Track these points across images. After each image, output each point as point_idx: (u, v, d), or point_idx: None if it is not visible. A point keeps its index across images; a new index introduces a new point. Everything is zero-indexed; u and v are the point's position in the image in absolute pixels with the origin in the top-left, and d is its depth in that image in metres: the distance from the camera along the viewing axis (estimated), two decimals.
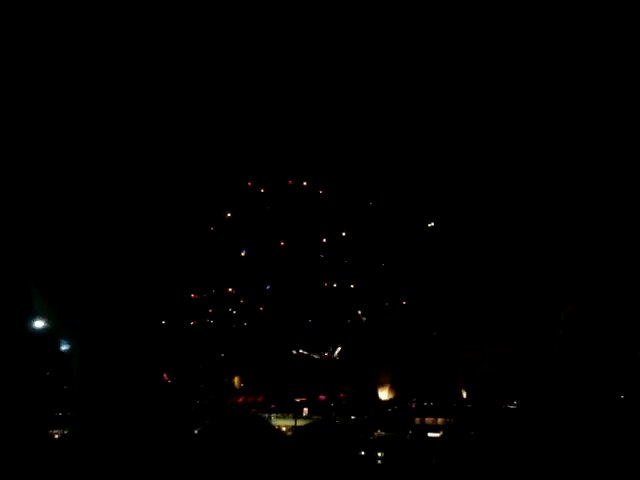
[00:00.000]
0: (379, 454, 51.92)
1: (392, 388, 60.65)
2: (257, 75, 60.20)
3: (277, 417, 58.85)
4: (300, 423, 57.18)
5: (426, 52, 58.70)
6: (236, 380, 63.65)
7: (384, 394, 60.65)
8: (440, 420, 57.18)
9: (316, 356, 62.84)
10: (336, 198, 65.01)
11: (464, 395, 59.12)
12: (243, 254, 65.21)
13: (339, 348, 62.61)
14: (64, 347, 51.41)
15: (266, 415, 58.85)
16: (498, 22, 56.17)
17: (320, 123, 62.64)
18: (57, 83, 54.36)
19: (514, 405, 57.03)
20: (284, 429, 58.04)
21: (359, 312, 62.82)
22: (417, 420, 57.48)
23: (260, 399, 60.64)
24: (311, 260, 63.75)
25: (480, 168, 61.24)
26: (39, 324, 48.56)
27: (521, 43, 56.31)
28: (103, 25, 54.51)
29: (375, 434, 56.24)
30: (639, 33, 52.13)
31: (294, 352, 62.29)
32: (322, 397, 60.06)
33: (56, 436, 43.82)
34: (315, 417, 58.19)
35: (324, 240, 64.89)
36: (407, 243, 62.86)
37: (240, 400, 61.44)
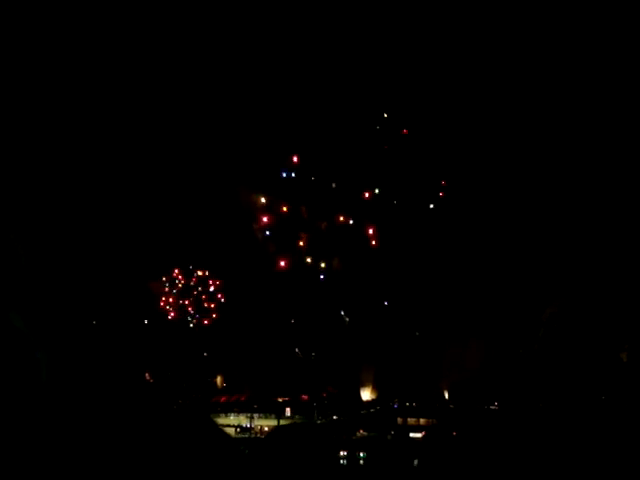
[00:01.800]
0: (361, 454, 52.12)
1: (374, 388, 60.82)
2: (258, 74, 59.80)
3: (260, 417, 58.95)
4: (283, 423, 57.29)
5: (428, 53, 58.68)
6: (219, 379, 63.67)
7: (366, 394, 60.80)
8: (422, 420, 57.41)
9: (299, 356, 62.88)
10: (319, 195, 64.62)
11: (446, 396, 59.36)
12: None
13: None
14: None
15: (248, 415, 59.01)
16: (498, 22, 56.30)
17: (318, 121, 62.19)
18: (57, 83, 54.22)
19: (495, 406, 57.34)
20: (266, 429, 58.20)
21: (342, 312, 62.86)
22: (399, 420, 57.67)
23: (242, 399, 60.69)
24: (294, 260, 63.63)
25: (463, 172, 61.37)
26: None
27: (521, 43, 56.46)
28: (103, 25, 54.39)
29: (357, 434, 56.41)
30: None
31: (276, 352, 62.24)
32: (305, 397, 60.15)
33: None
34: (298, 417, 58.33)
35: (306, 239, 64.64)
36: (390, 243, 62.84)
37: (222, 399, 61.46)
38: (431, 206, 61.61)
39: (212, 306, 66.46)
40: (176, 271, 67.31)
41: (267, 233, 64.25)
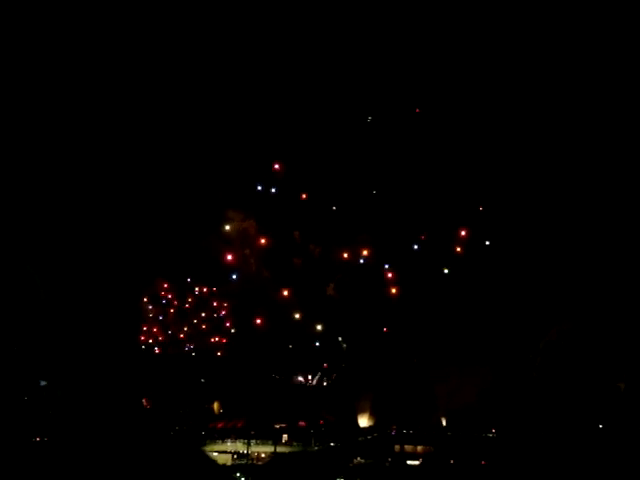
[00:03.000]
0: None
1: (372, 415, 60.64)
2: (259, 74, 59.67)
3: (257, 443, 58.66)
4: (280, 449, 57.10)
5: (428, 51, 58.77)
6: (216, 406, 63.36)
7: (364, 421, 60.62)
8: (420, 448, 57.22)
9: (296, 382, 62.69)
10: (318, 214, 64.07)
11: (444, 423, 59.22)
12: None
13: (318, 375, 61.75)
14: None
15: (245, 441, 58.72)
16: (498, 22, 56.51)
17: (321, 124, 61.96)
18: (57, 83, 54.35)
19: (493, 433, 57.19)
20: (263, 455, 57.97)
21: (340, 339, 62.76)
22: (397, 447, 57.47)
23: (239, 425, 60.41)
24: (291, 285, 63.52)
25: (464, 185, 61.30)
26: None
27: (521, 43, 56.68)
28: (103, 25, 54.60)
29: (354, 461, 56.21)
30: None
31: (274, 378, 62.01)
32: (302, 423, 59.95)
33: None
34: (295, 444, 58.09)
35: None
36: (387, 270, 62.79)
37: (219, 425, 61.18)
38: (445, 271, 59.77)
39: (220, 341, 61.87)
40: (165, 286, 62.96)
41: (233, 277, 58.40)
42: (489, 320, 58.23)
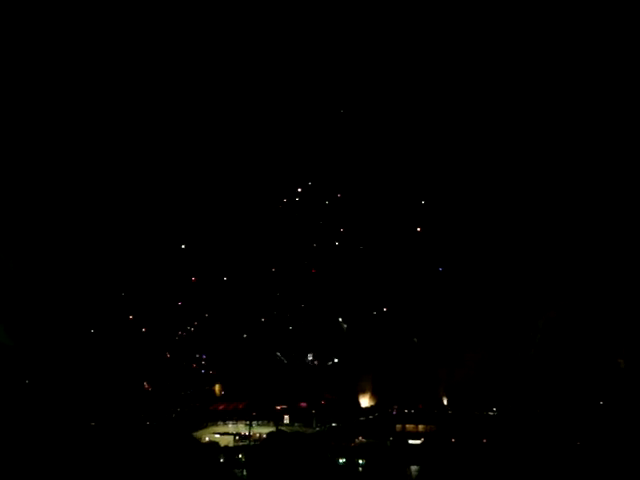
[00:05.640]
0: (360, 461, 52.10)
1: (373, 395, 60.76)
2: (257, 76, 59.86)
3: (258, 424, 58.85)
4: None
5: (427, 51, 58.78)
6: (217, 388, 63.56)
7: (365, 401, 60.74)
8: (421, 427, 57.34)
9: (297, 363, 62.83)
10: (321, 206, 64.86)
11: (445, 402, 59.35)
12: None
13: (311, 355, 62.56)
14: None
15: (247, 422, 58.91)
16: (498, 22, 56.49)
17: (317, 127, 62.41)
18: (57, 83, 54.40)
19: (494, 411, 57.30)
20: (265, 436, 58.10)
21: (340, 319, 62.88)
22: (398, 427, 57.61)
23: (241, 407, 60.59)
24: (294, 268, 63.75)
25: (465, 175, 61.48)
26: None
27: (521, 43, 56.63)
28: (103, 25, 54.55)
29: (356, 441, 56.34)
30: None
31: (275, 358, 62.22)
32: (303, 404, 60.10)
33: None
34: (297, 424, 58.29)
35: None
36: (388, 251, 62.96)
37: (221, 407, 61.36)
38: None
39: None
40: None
41: None
42: (488, 300, 58.30)
